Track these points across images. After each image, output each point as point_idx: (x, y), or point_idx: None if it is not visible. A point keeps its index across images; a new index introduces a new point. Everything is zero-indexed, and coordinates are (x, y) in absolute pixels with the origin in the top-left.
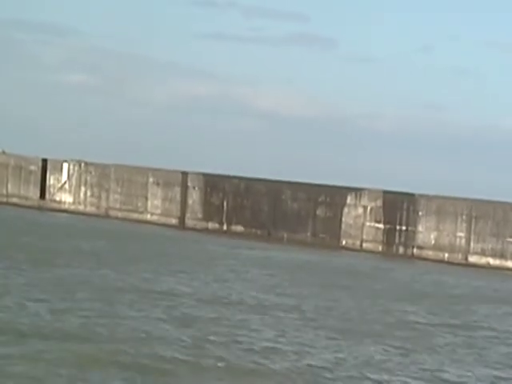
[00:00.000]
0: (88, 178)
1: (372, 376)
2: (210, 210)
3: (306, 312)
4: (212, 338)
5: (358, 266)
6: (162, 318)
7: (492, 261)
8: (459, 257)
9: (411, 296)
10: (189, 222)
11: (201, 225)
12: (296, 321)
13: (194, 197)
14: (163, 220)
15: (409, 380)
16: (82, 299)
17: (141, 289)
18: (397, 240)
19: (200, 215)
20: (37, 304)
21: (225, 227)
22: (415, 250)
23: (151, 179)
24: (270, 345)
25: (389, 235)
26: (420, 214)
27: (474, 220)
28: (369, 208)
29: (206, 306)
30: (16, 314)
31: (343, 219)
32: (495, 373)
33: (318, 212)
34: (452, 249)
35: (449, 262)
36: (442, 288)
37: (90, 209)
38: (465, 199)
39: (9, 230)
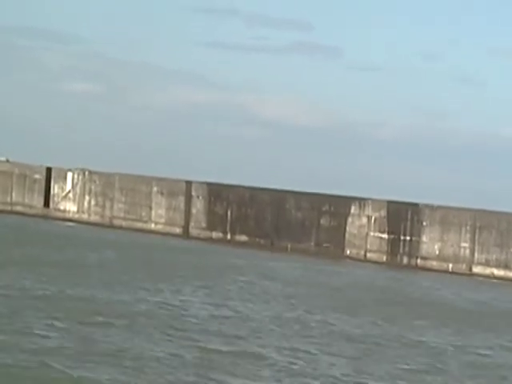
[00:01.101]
0: (92, 187)
1: None
2: (214, 220)
3: None
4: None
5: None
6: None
7: (496, 271)
8: (463, 267)
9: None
10: (193, 232)
11: (205, 234)
12: None
13: (198, 206)
14: (167, 229)
15: None
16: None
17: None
18: (401, 250)
19: (204, 224)
20: None
21: (229, 236)
22: (419, 261)
23: (155, 188)
24: None
25: (393, 245)
26: (424, 224)
27: (478, 230)
28: (373, 218)
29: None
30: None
31: (347, 229)
32: None
33: (322, 221)
34: (456, 259)
35: (453, 273)
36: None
37: (94, 218)
38: (469, 209)
39: (16, 242)
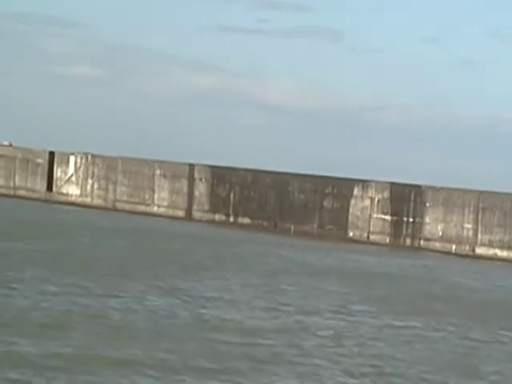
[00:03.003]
0: (95, 171)
1: None
2: (217, 202)
3: None
4: None
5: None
6: None
7: (499, 252)
8: (466, 248)
9: None
10: (195, 214)
11: (207, 217)
12: None
13: (201, 189)
14: (170, 212)
15: None
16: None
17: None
18: (404, 232)
19: (207, 207)
20: None
21: (231, 219)
22: (422, 242)
23: (158, 171)
24: None
25: (396, 227)
26: (427, 205)
27: (481, 211)
28: (376, 200)
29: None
30: None
31: (350, 211)
32: None
33: (325, 204)
34: (459, 240)
35: (456, 254)
36: None
37: (97, 201)
38: (472, 190)
39: (24, 230)
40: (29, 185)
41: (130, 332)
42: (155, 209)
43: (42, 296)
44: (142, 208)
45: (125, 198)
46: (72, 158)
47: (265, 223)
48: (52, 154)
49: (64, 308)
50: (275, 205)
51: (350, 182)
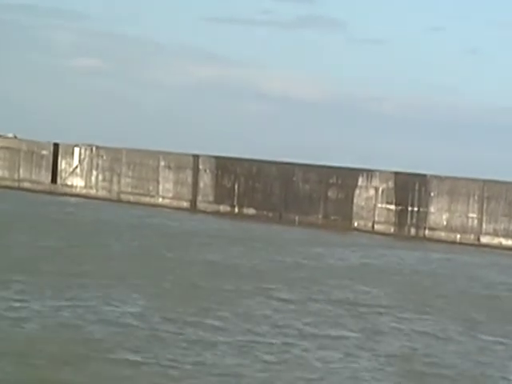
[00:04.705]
0: (99, 162)
1: None
2: (222, 193)
3: None
4: None
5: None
6: None
7: (504, 241)
8: (471, 237)
9: None
10: (200, 205)
11: (212, 208)
12: None
13: (206, 180)
14: (175, 203)
15: None
16: None
17: None
18: (408, 221)
19: (211, 198)
20: None
21: (236, 210)
22: (427, 232)
23: (162, 163)
24: None
25: (400, 216)
26: (432, 194)
27: (486, 200)
28: (380, 189)
29: None
30: None
31: (355, 201)
32: None
33: (330, 194)
34: (464, 230)
35: (461, 243)
36: None
37: (101, 193)
38: (477, 180)
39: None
40: (33, 177)
41: None
42: (160, 200)
43: None
44: (146, 199)
45: (129, 189)
46: (76, 150)
47: (270, 214)
48: (56, 145)
49: None
50: (280, 195)
51: (355, 172)
